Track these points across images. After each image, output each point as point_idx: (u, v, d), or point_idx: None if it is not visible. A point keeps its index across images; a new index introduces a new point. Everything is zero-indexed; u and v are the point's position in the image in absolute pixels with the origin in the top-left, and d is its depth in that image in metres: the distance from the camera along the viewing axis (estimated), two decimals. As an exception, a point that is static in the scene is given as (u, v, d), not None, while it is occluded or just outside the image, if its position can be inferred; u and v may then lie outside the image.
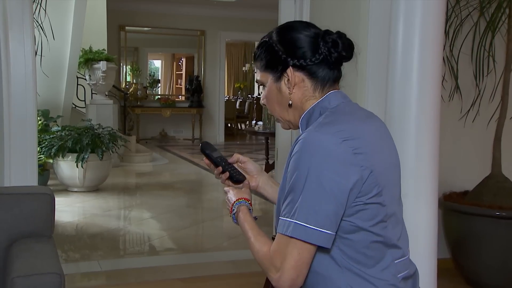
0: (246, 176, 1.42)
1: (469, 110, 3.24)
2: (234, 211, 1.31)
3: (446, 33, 2.97)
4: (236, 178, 1.36)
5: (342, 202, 1.09)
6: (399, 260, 1.18)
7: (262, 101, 1.31)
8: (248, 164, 1.44)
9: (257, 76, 1.28)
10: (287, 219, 1.10)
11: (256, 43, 14.44)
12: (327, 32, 1.23)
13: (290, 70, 1.21)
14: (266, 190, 1.45)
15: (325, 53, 1.20)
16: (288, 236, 1.09)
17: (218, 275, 3.39)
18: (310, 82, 1.22)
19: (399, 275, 1.17)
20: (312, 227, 1.07)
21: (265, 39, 1.26)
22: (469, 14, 3.11)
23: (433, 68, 2.25)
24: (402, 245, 1.21)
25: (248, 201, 1.32)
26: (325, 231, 1.08)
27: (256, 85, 14.40)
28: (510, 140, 3.22)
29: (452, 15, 3.04)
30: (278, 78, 1.23)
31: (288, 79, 1.21)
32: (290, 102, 1.23)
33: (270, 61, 1.23)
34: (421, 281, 1.28)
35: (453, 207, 2.99)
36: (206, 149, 1.36)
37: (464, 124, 3.28)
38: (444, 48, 2.69)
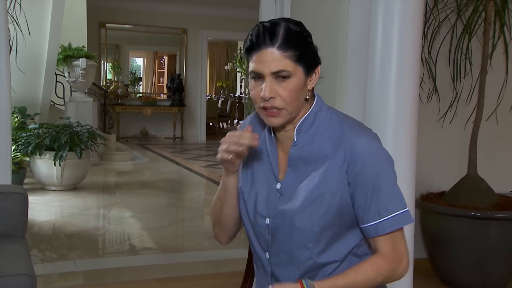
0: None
1: (446, 111, 3.27)
2: None
3: (425, 35, 3.00)
4: None
5: None
6: None
7: (272, 94, 1.19)
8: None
9: (280, 66, 1.18)
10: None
11: (239, 43, 14.38)
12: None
13: (319, 68, 1.27)
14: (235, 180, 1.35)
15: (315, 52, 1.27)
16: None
17: (197, 275, 3.37)
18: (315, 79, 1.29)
19: None
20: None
21: (297, 30, 1.21)
22: (447, 16, 3.14)
23: (411, 69, 2.27)
24: None
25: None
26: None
27: (238, 84, 14.37)
28: (486, 141, 3.27)
29: (430, 17, 3.07)
30: (308, 73, 1.23)
31: (315, 75, 1.26)
32: (307, 96, 1.26)
33: (305, 55, 1.21)
34: (397, 281, 1.30)
35: (430, 208, 3.02)
36: None
37: (442, 125, 3.32)
38: (422, 50, 2.72)
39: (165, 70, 12.47)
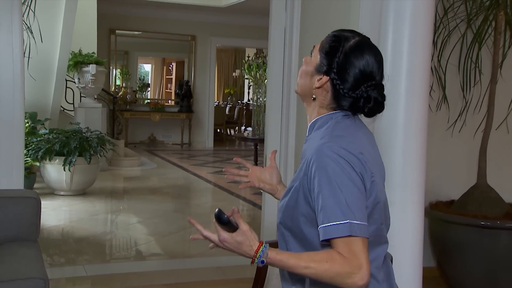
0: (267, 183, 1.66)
1: (456, 120, 3.27)
2: (261, 255, 1.26)
3: (435, 43, 3.01)
4: (234, 228, 1.29)
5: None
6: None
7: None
8: (273, 170, 1.66)
9: (313, 53, 1.38)
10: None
11: (247, 49, 14.40)
12: (372, 76, 1.34)
13: (325, 79, 1.34)
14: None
15: (358, 96, 1.32)
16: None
17: (205, 281, 3.38)
18: (331, 97, 1.36)
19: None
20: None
21: (338, 37, 1.34)
22: (457, 25, 3.15)
23: (421, 78, 2.27)
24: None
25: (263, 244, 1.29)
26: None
27: (246, 90, 14.42)
28: (496, 150, 3.26)
29: (440, 26, 3.08)
30: (318, 71, 1.35)
31: (320, 79, 1.35)
32: (314, 96, 1.38)
33: (327, 54, 1.33)
34: (407, 290, 1.30)
35: (439, 216, 3.01)
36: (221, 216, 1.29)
37: (452, 134, 3.32)
38: (432, 59, 2.73)
39: (173, 77, 12.53)
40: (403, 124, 2.25)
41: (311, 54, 1.39)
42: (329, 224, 1.20)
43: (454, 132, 3.31)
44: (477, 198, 2.95)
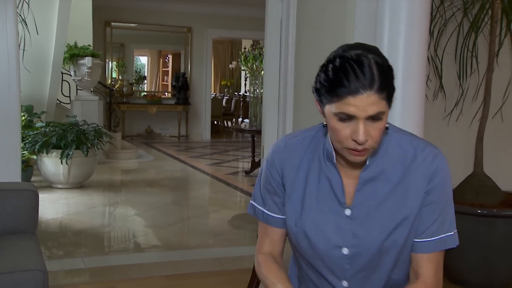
0: None
1: (452, 109, 3.28)
2: None
3: (431, 33, 3.01)
4: None
5: None
6: None
7: (367, 137, 1.09)
8: None
9: (378, 108, 1.07)
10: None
11: (243, 41, 14.29)
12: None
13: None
14: None
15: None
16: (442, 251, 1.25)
17: (203, 272, 3.39)
18: None
19: None
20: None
21: (388, 65, 1.11)
22: (453, 14, 3.14)
23: (417, 67, 2.27)
24: None
25: None
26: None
27: (243, 82, 14.38)
28: (493, 139, 3.27)
29: (436, 15, 3.07)
30: (391, 104, 1.12)
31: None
32: (387, 125, 1.17)
33: (393, 90, 1.12)
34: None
35: (436, 205, 3.02)
36: None
37: (448, 123, 3.33)
38: (428, 48, 2.72)
39: (170, 69, 12.50)
40: (400, 113, 2.25)
41: (360, 127, 1.09)
42: (450, 233, 1.25)
43: (451, 121, 3.31)
44: (473, 186, 2.96)
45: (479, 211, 2.83)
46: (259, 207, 1.33)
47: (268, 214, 1.32)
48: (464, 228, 2.91)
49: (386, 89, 1.08)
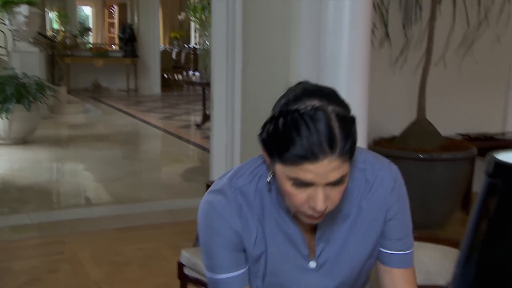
0: None
1: (398, 57, 3.33)
2: None
3: (378, -20, 3.01)
4: None
5: None
6: None
7: (326, 204, 0.94)
8: None
9: (340, 173, 0.91)
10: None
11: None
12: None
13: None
14: None
15: None
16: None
17: (155, 224, 3.40)
18: None
19: None
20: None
21: (348, 115, 0.92)
22: (400, -39, 3.15)
23: (364, 14, 2.28)
24: None
25: None
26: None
27: (193, 34, 14.04)
28: (435, 86, 3.38)
29: (383, -38, 3.07)
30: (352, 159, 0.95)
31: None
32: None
33: (355, 143, 0.93)
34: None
35: (382, 152, 3.10)
36: None
37: (394, 71, 3.39)
38: (375, -5, 2.73)
39: (116, 20, 12.01)
40: (346, 61, 2.27)
41: (318, 194, 0.93)
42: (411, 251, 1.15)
43: (396, 69, 3.38)
44: (416, 133, 3.07)
45: (420, 156, 2.95)
46: (229, 275, 1.05)
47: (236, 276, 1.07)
48: (407, 172, 3.03)
49: (349, 146, 0.90)
